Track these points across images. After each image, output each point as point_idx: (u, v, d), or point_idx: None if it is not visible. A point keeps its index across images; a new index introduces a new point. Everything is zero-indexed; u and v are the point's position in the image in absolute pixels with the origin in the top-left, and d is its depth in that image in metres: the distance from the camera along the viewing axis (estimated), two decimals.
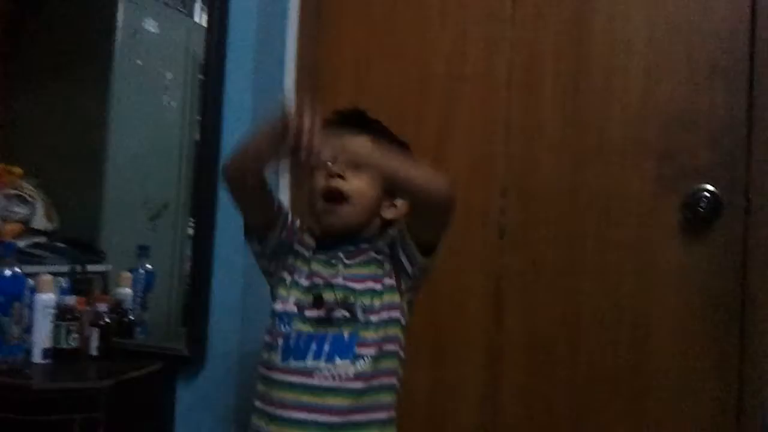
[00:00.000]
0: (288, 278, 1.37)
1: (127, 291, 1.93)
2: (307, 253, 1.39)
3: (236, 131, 1.83)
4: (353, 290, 1.32)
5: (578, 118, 1.81)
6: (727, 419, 1.67)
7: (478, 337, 1.84)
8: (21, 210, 2.26)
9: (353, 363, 1.28)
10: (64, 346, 1.74)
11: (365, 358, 1.29)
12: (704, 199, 1.68)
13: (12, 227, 2.21)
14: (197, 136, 1.97)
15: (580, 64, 1.81)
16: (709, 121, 1.71)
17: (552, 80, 1.83)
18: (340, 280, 1.33)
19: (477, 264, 1.86)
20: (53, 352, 1.74)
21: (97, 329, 1.79)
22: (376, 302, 1.32)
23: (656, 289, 1.73)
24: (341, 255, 1.36)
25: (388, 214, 1.40)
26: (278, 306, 1.36)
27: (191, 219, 2.06)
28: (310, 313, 1.32)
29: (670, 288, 1.72)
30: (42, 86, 2.45)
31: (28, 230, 2.25)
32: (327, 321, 1.31)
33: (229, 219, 1.82)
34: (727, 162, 1.69)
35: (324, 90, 2.00)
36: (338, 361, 1.28)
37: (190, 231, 2.00)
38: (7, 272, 1.71)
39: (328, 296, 1.31)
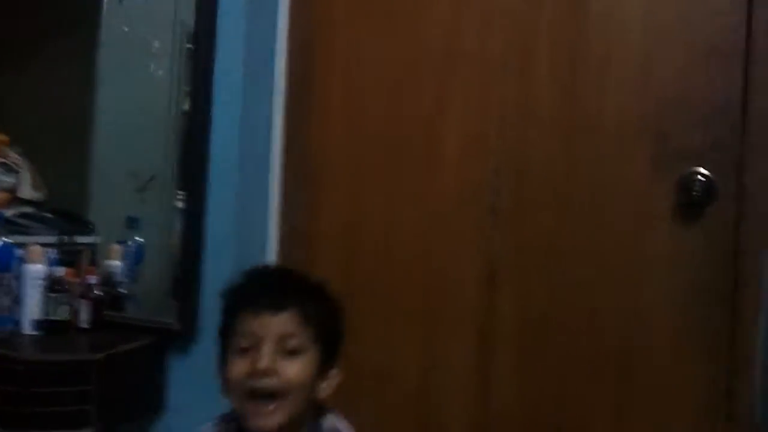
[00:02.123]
0: None
1: (117, 263, 1.92)
2: None
3: (226, 102, 1.82)
4: None
5: (573, 97, 1.80)
6: (717, 402, 1.68)
7: (470, 317, 1.84)
8: (7, 179, 2.22)
9: None
10: (54, 317, 1.74)
11: None
12: (698, 183, 1.68)
13: None
14: (186, 107, 1.94)
15: (576, 43, 1.80)
16: (705, 103, 1.71)
17: (548, 59, 1.82)
18: None
19: (469, 244, 1.86)
20: (43, 324, 1.73)
21: (87, 301, 1.78)
22: None
23: (648, 272, 1.74)
24: None
25: (323, 393, 1.19)
26: None
27: (179, 192, 2.05)
28: None
29: (662, 270, 1.73)
30: (27, 54, 2.40)
31: (15, 200, 2.21)
32: None
33: (219, 191, 1.82)
34: (722, 145, 1.69)
35: (317, 60, 1.99)
36: None
37: (179, 204, 1.98)
38: None
39: None
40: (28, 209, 2.20)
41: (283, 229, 1.98)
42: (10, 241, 1.71)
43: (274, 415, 1.10)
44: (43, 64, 2.36)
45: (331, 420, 1.21)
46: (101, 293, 1.82)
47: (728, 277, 1.68)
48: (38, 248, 1.78)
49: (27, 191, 2.24)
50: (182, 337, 1.79)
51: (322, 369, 1.17)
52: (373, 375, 1.81)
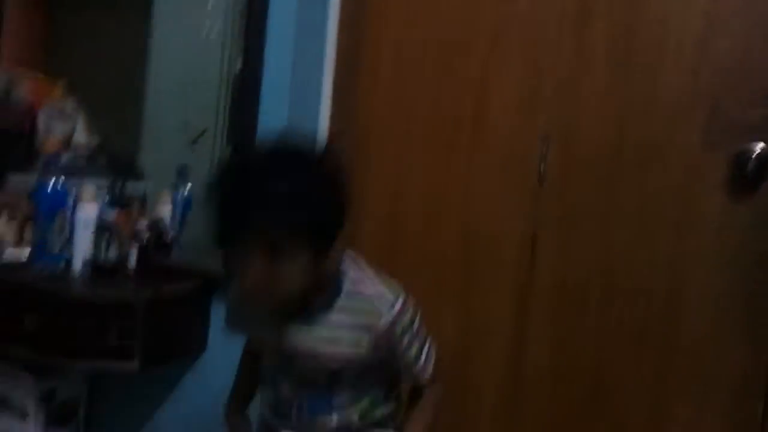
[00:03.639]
0: None
1: (167, 210, 1.95)
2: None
3: (278, 62, 1.83)
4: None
5: (629, 64, 1.77)
6: (758, 376, 1.67)
7: (510, 279, 1.85)
8: (62, 125, 2.27)
9: (332, 415, 1.30)
10: (104, 258, 1.78)
11: (345, 408, 1.30)
12: (753, 158, 1.65)
13: (54, 141, 2.23)
14: (238, 65, 1.96)
15: (633, 8, 1.77)
16: (765, 77, 1.67)
17: (604, 24, 1.79)
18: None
19: (514, 209, 1.86)
20: (93, 264, 1.77)
21: (136, 244, 1.82)
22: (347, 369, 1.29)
23: (694, 245, 1.72)
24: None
25: (331, 266, 1.25)
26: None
27: (229, 146, 2.07)
28: (284, 378, 1.31)
29: (709, 244, 1.71)
30: (85, 5, 2.44)
31: (69, 145, 2.27)
32: (300, 386, 1.30)
33: None
34: None
35: (370, 18, 1.99)
36: (319, 417, 1.30)
37: None
38: (51, 183, 1.73)
39: (299, 365, 1.29)
40: (82, 154, 2.26)
41: None
42: (63, 182, 1.74)
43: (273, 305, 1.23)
44: (99, 14, 2.40)
45: (348, 283, 1.28)
46: (150, 237, 1.85)
47: None
48: (91, 191, 1.82)
49: (81, 137, 2.29)
50: (225, 282, 1.82)
51: (320, 256, 1.20)
52: None
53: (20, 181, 2.03)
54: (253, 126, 1.86)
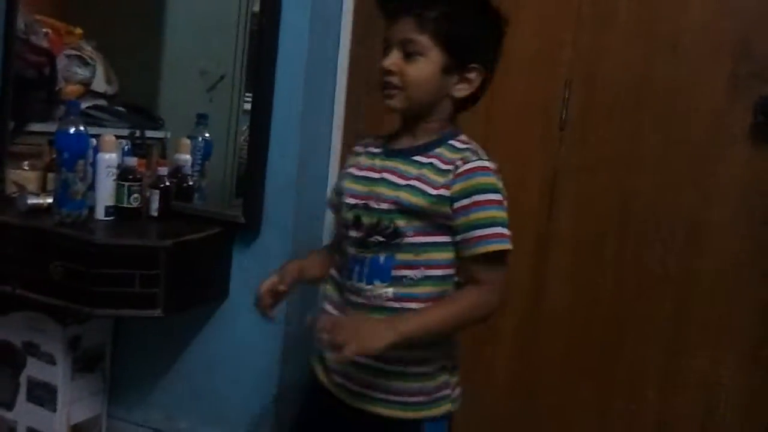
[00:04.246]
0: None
1: (186, 157, 1.96)
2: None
3: (296, 4, 1.80)
4: (390, 209, 1.26)
5: (654, 6, 1.74)
6: None
7: (529, 226, 1.85)
8: (81, 71, 2.28)
9: (390, 286, 1.27)
10: (126, 205, 1.79)
11: (403, 280, 1.27)
12: None
13: (73, 88, 2.24)
14: (256, 8, 1.94)
15: None
16: None
17: None
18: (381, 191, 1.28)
19: (534, 154, 1.85)
20: (115, 210, 1.79)
21: (157, 191, 1.83)
22: (414, 223, 1.26)
23: (717, 192, 1.71)
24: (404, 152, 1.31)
25: (460, 92, 1.29)
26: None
27: (247, 94, 2.07)
28: (352, 233, 1.31)
29: (732, 191, 1.69)
30: None
31: (89, 92, 2.28)
32: (364, 244, 1.29)
33: (286, 94, 1.83)
34: None
35: None
36: (376, 283, 1.28)
37: (247, 105, 2.00)
38: (72, 130, 1.72)
39: (366, 219, 1.29)
40: (101, 102, 2.27)
41: (347, 133, 1.98)
42: (83, 129, 1.74)
43: (394, 99, 1.28)
44: None
45: (454, 140, 1.30)
46: (170, 184, 1.86)
47: None
48: (112, 138, 1.83)
49: (101, 84, 2.29)
50: (246, 230, 1.84)
51: (451, 70, 1.27)
52: None
53: (42, 129, 2.04)
54: (272, 72, 1.84)
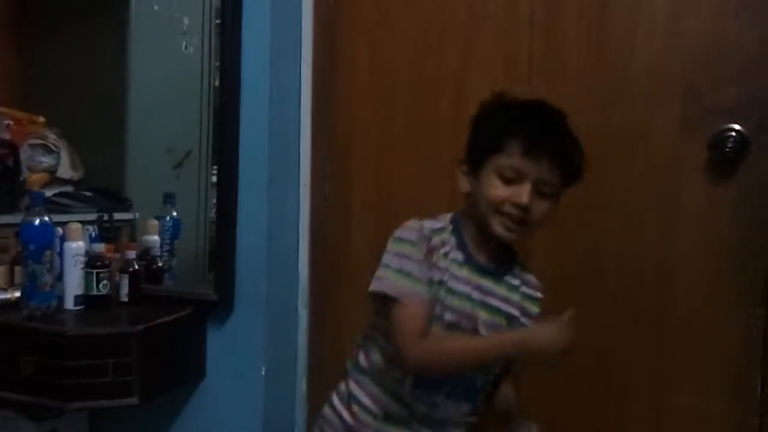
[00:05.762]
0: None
1: (155, 238, 1.95)
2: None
3: (255, 75, 1.83)
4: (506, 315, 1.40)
5: (602, 53, 1.78)
6: (752, 361, 1.68)
7: None
8: (46, 159, 2.28)
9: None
10: (95, 292, 1.77)
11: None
12: (731, 139, 1.65)
13: (38, 177, 2.23)
14: (217, 82, 1.96)
15: None
16: (737, 57, 1.67)
17: (575, 14, 1.80)
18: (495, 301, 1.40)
19: None
20: (85, 299, 1.77)
21: (126, 276, 1.82)
22: None
23: (680, 229, 1.72)
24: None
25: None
26: None
27: (214, 167, 2.07)
28: None
29: (695, 228, 1.71)
30: (59, 33, 2.44)
31: (54, 180, 2.27)
32: None
33: (251, 165, 1.84)
34: (755, 100, 1.66)
35: (343, 28, 2.00)
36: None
37: (214, 179, 2.01)
38: (37, 221, 1.72)
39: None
40: (67, 188, 2.26)
41: (314, 200, 1.99)
42: (49, 219, 1.74)
43: (513, 233, 1.35)
44: (75, 45, 2.40)
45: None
46: (140, 267, 1.85)
47: (763, 233, 1.65)
48: (78, 226, 1.82)
49: (66, 171, 2.29)
50: (219, 307, 1.82)
51: (556, 205, 1.39)
52: None
53: (7, 222, 2.03)
54: (235, 144, 1.86)
